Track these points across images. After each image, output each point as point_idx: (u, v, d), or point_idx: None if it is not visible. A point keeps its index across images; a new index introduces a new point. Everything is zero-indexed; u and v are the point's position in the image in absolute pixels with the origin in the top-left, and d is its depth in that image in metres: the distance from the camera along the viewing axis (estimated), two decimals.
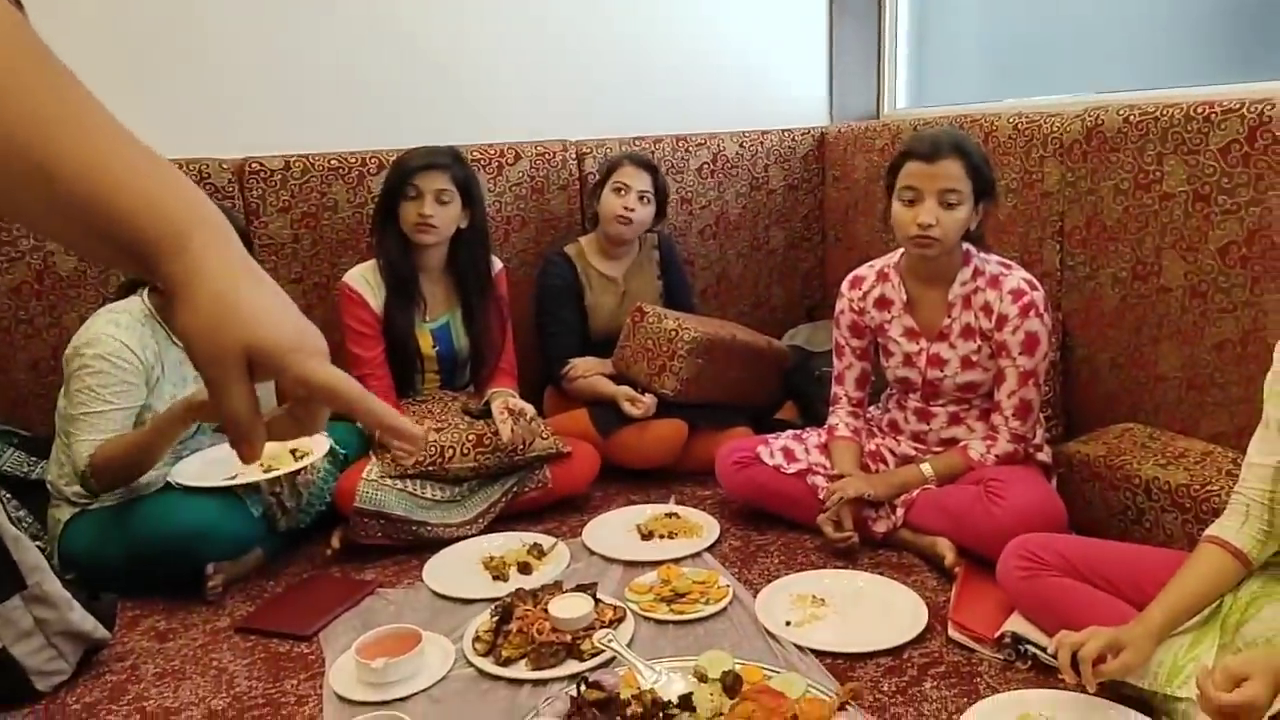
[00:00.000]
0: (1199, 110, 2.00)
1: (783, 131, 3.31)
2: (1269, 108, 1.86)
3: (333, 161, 2.71)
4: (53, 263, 2.51)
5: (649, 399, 2.58)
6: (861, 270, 2.29)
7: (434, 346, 2.52)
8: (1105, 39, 2.69)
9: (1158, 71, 2.52)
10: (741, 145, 3.24)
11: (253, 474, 2.10)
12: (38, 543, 1.93)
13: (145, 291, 2.17)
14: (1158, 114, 2.09)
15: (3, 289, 2.48)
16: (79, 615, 1.76)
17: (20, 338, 2.51)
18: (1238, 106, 1.92)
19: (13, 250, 2.48)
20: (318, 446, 2.20)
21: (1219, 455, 1.98)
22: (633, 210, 2.69)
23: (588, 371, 2.71)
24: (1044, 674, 1.61)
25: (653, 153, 3.05)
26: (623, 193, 2.69)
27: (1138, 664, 1.41)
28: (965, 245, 2.11)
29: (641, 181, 2.71)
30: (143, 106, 2.60)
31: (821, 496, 2.17)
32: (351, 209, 2.75)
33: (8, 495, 2.18)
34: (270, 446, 2.05)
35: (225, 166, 2.62)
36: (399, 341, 2.46)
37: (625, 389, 2.61)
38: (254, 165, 2.65)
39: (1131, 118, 2.14)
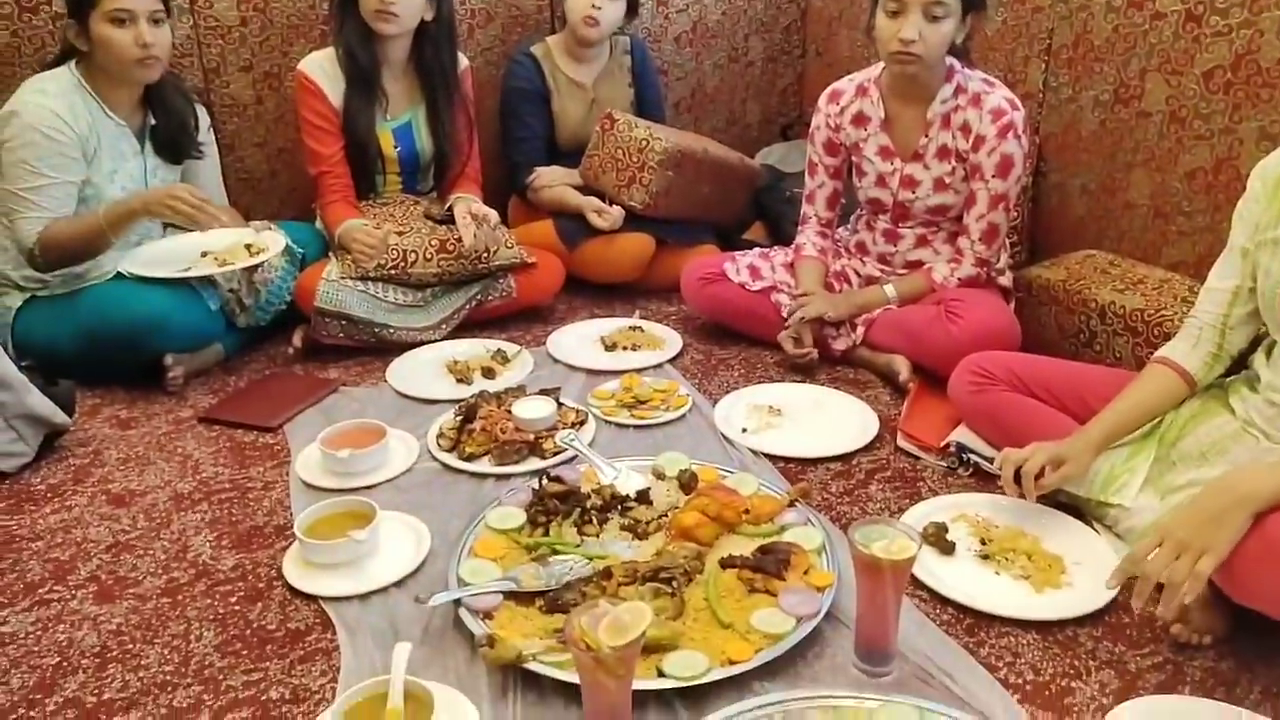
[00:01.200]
0: None
1: None
2: None
3: None
4: None
5: (616, 211, 2.54)
6: (840, 84, 2.21)
7: (395, 146, 2.42)
8: None
9: None
10: None
11: (206, 267, 2.06)
12: None
13: (74, 62, 2.04)
14: None
15: None
16: (36, 399, 1.76)
17: None
18: None
19: None
20: (273, 244, 2.16)
21: (1176, 283, 2.01)
22: (600, 9, 2.54)
23: (554, 181, 2.64)
24: (985, 482, 1.70)
25: None
26: None
27: (1077, 475, 1.49)
28: (949, 60, 2.03)
29: None
30: None
31: (784, 314, 2.19)
32: None
33: None
34: (225, 242, 2.02)
35: None
36: (358, 139, 2.35)
37: (592, 200, 2.56)
38: None
39: None
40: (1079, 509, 1.56)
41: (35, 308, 2.06)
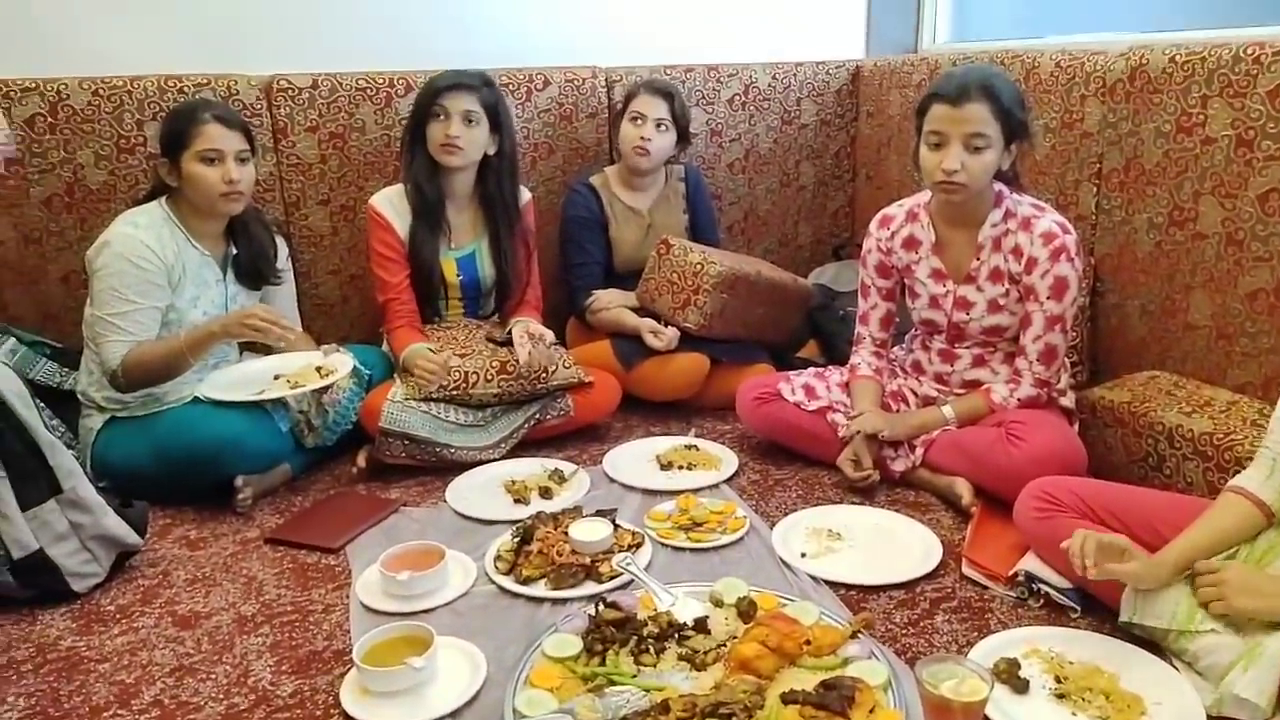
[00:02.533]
0: (1248, 52, 1.94)
1: (816, 64, 3.23)
2: None
3: (360, 81, 2.68)
4: (83, 175, 2.52)
5: (671, 331, 2.59)
6: (891, 209, 2.26)
7: (458, 275, 2.53)
8: None
9: (1206, 11, 2.44)
10: (774, 77, 3.17)
11: (279, 390, 2.14)
12: (71, 451, 1.98)
13: (164, 198, 2.19)
14: (1204, 54, 2.02)
15: (34, 201, 2.50)
16: (112, 520, 1.82)
17: (51, 250, 2.54)
18: None
19: (43, 162, 2.49)
20: (342, 365, 2.24)
21: (1244, 405, 1.97)
22: (649, 139, 2.66)
23: (611, 303, 2.71)
24: (1057, 613, 1.64)
25: (683, 82, 3.01)
26: (639, 122, 2.66)
27: (1146, 578, 1.45)
28: (998, 186, 2.07)
29: (658, 109, 2.67)
30: (171, 24, 2.60)
31: (841, 434, 2.18)
32: (379, 130, 2.73)
33: (41, 404, 2.23)
34: (296, 365, 2.11)
35: (253, 84, 2.60)
36: (423, 268, 2.46)
37: (648, 321, 2.62)
38: (282, 83, 2.63)
39: (1177, 58, 2.08)
40: (1157, 644, 1.50)
41: (114, 429, 2.15)
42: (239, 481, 2.10)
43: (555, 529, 1.88)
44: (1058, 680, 1.43)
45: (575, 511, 1.98)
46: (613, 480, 2.23)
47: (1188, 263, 2.14)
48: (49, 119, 2.45)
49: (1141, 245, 2.25)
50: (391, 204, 2.46)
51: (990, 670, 1.41)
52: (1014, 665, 1.44)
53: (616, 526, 1.90)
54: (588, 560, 1.79)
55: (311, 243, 2.74)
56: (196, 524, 2.08)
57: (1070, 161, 2.38)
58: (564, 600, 1.71)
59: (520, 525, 1.90)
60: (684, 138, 2.78)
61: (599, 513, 1.96)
